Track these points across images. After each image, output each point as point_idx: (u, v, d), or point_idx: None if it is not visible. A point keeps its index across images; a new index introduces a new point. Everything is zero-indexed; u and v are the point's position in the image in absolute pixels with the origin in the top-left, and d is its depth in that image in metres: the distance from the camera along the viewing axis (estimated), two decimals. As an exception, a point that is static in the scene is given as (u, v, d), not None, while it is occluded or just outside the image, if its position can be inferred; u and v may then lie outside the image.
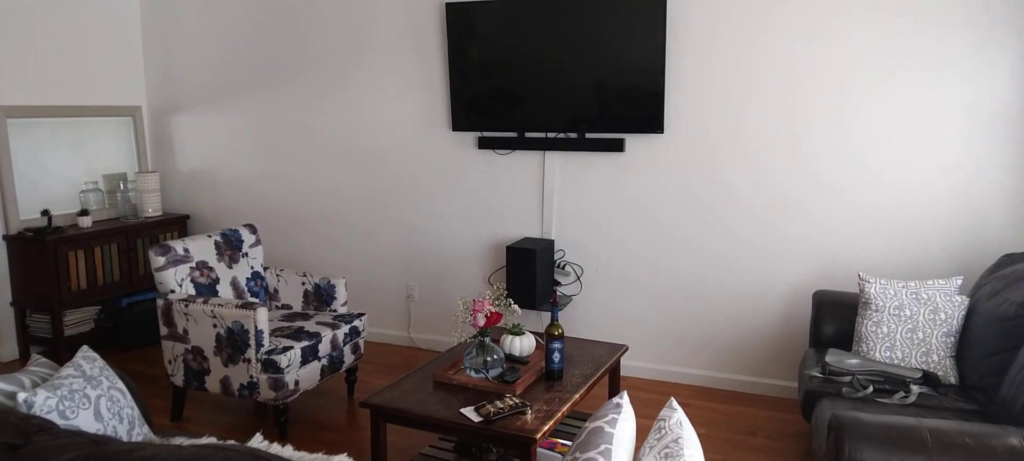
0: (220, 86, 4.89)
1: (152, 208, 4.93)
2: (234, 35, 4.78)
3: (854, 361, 2.88)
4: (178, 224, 4.99)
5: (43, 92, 4.48)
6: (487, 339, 2.83)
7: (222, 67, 4.86)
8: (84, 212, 4.53)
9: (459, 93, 4.16)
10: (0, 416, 1.50)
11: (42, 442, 1.42)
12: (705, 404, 3.71)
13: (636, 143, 3.90)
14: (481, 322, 2.80)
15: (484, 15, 4.02)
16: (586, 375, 2.89)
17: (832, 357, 2.92)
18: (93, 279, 4.44)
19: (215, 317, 3.26)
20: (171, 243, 3.49)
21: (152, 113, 5.15)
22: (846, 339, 3.15)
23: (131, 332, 4.55)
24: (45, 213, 4.38)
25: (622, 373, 4.06)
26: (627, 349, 3.27)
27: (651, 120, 3.78)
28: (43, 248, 4.18)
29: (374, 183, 4.55)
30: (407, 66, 4.35)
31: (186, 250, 3.52)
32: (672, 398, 1.63)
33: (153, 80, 5.10)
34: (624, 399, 1.60)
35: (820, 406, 2.68)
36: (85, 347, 2.15)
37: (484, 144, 4.19)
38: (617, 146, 3.90)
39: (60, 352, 4.29)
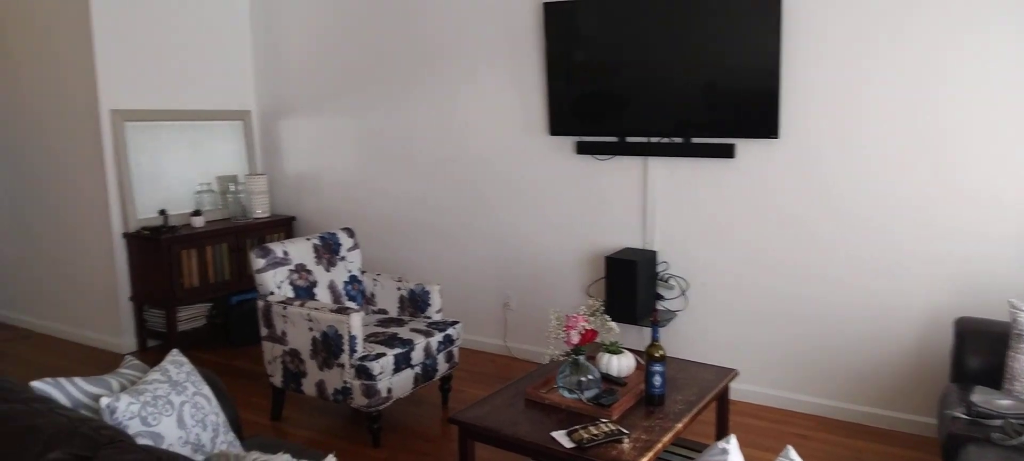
0: (324, 92, 4.96)
1: (260, 209, 5.06)
2: (336, 43, 4.83)
3: (1006, 402, 2.50)
4: (284, 225, 5.10)
5: (161, 97, 4.69)
6: (582, 357, 2.65)
7: (326, 73, 4.93)
8: (197, 212, 4.71)
9: (557, 96, 4.00)
10: (71, 426, 1.48)
11: (108, 456, 1.38)
12: (826, 437, 3.37)
13: (748, 149, 3.60)
14: (575, 339, 2.63)
15: (585, 15, 3.84)
16: (690, 401, 2.65)
17: (980, 396, 2.55)
18: (204, 277, 4.60)
19: (311, 320, 3.26)
20: (271, 245, 3.52)
21: (261, 117, 5.30)
22: (994, 375, 2.75)
23: (240, 329, 4.68)
24: (162, 213, 4.57)
25: (731, 398, 3.77)
26: (737, 373, 3.00)
27: (765, 124, 3.47)
28: (158, 246, 4.36)
29: (470, 189, 4.47)
30: (503, 70, 4.24)
31: (285, 253, 3.55)
32: (789, 447, 1.40)
33: (262, 85, 5.25)
34: (732, 445, 1.39)
35: (965, 452, 2.33)
36: (175, 351, 2.15)
37: (583, 149, 4.01)
38: (726, 152, 3.62)
39: (173, 347, 4.45)
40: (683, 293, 3.88)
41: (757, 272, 3.67)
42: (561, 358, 2.78)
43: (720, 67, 3.54)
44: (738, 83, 3.51)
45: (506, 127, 4.30)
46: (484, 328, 4.56)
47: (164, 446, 1.85)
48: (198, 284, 4.56)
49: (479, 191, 4.45)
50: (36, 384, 1.83)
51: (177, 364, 2.09)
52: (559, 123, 4.04)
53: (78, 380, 1.91)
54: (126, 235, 4.51)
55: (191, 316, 4.61)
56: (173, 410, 1.91)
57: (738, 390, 3.77)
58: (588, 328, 2.66)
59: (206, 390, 2.09)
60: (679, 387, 2.77)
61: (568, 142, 4.10)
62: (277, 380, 3.48)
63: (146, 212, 4.60)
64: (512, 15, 4.15)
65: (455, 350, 3.64)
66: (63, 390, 1.86)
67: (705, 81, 3.59)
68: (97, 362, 4.39)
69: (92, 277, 4.64)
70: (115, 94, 4.43)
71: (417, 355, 3.37)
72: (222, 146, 5.11)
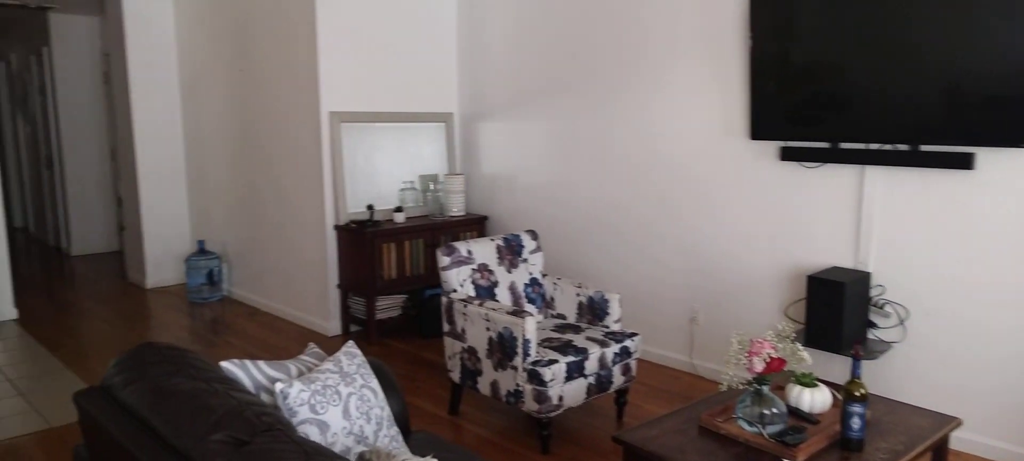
0: (521, 95, 5.02)
1: (456, 208, 5.25)
2: (535, 47, 4.86)
3: None
4: (477, 224, 5.25)
5: (373, 100, 5.02)
6: (766, 388, 2.39)
7: (523, 77, 4.98)
8: (399, 209, 4.99)
9: (762, 96, 3.68)
10: (239, 409, 1.57)
11: (262, 444, 1.44)
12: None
13: (991, 159, 3.05)
14: (758, 367, 2.37)
15: (797, 5, 3.49)
16: (896, 451, 2.29)
17: None
18: (402, 269, 4.86)
19: (488, 320, 3.29)
20: (456, 244, 3.61)
21: (462, 119, 5.50)
22: None
23: (430, 322, 4.88)
24: (369, 208, 4.90)
25: (953, 447, 3.22)
26: (960, 422, 2.55)
27: (1015, 130, 2.91)
28: (363, 239, 4.68)
29: (660, 195, 4.27)
30: (700, 69, 3.99)
31: (469, 252, 3.62)
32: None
33: (464, 89, 5.44)
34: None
35: None
36: (350, 343, 2.24)
37: (788, 155, 3.65)
38: (963, 162, 3.09)
39: (371, 333, 4.77)
40: (901, 323, 3.40)
41: (995, 305, 3.10)
42: (742, 386, 2.53)
43: (963, 63, 3.03)
44: (983, 82, 2.98)
45: (701, 130, 4.05)
46: (668, 342, 4.34)
47: (329, 434, 1.93)
48: (396, 276, 4.83)
49: (670, 197, 4.24)
50: (225, 364, 1.99)
51: (350, 356, 2.18)
52: (762, 126, 3.71)
53: (261, 363, 2.06)
54: (337, 227, 4.90)
55: (388, 306, 4.90)
56: (340, 400, 1.99)
57: (962, 440, 3.22)
58: (775, 356, 2.39)
59: (374, 383, 2.16)
60: (884, 432, 2.41)
61: (771, 147, 3.77)
62: (456, 376, 3.57)
63: (355, 206, 4.96)
64: (712, 10, 3.90)
65: (632, 363, 3.49)
66: (247, 372, 2.00)
67: (943, 79, 3.10)
68: (305, 341, 4.80)
69: (307, 265, 5.11)
70: (334, 98, 4.82)
71: (591, 365, 3.27)
72: (426, 146, 5.37)
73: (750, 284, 3.93)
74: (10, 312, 5.32)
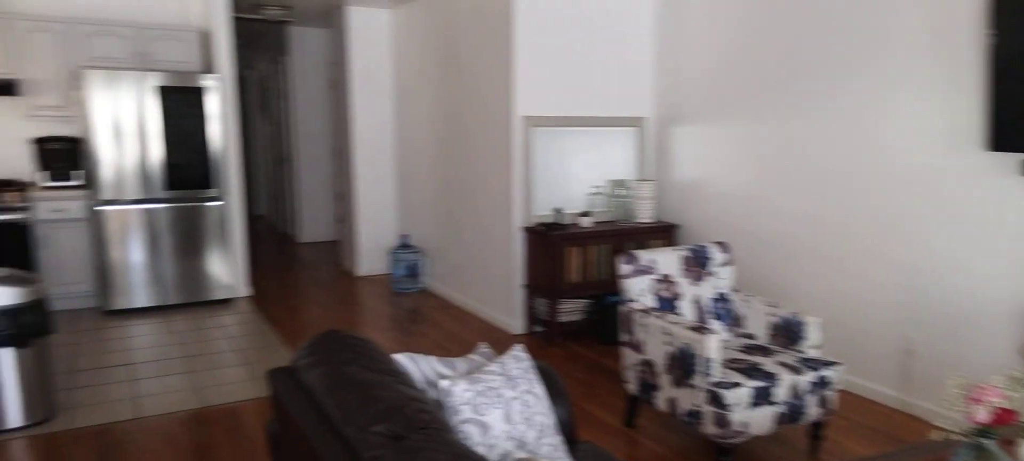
0: (719, 99, 4.77)
1: (645, 215, 5.12)
2: (739, 49, 4.59)
3: None
4: (665, 232, 5.08)
5: (566, 105, 5.04)
6: (990, 443, 2.03)
7: (723, 80, 4.73)
8: (586, 213, 4.97)
9: (1008, 101, 3.16)
10: (401, 403, 1.62)
11: (415, 441, 1.47)
12: None
13: None
14: (981, 416, 2.02)
15: (1056, -5, 2.95)
16: None
17: None
18: (585, 274, 4.84)
19: (668, 334, 3.15)
20: (638, 253, 3.50)
21: (656, 124, 5.35)
22: None
23: (612, 328, 4.80)
24: (556, 211, 4.94)
25: None
26: None
27: None
28: (548, 241, 4.71)
29: (873, 210, 3.83)
30: (921, 70, 3.51)
31: (652, 261, 3.50)
32: None
33: (659, 93, 5.29)
34: None
35: None
36: (518, 346, 2.24)
37: (1038, 170, 3.10)
38: None
39: (554, 334, 4.79)
40: None
41: None
42: (961, 437, 2.18)
43: None
44: None
45: (924, 138, 3.57)
46: (877, 373, 3.89)
47: (490, 436, 1.94)
48: (579, 280, 4.81)
49: (885, 213, 3.79)
50: (397, 356, 2.08)
51: (517, 359, 2.18)
52: (1005, 135, 3.19)
53: (432, 358, 2.12)
54: (524, 229, 4.98)
55: (571, 309, 4.90)
56: (502, 403, 1.99)
57: None
58: (1003, 406, 2.02)
59: (538, 389, 2.14)
60: None
61: (1013, 160, 3.23)
62: (632, 387, 3.46)
63: (543, 209, 5.01)
64: (939, 4, 3.42)
65: (831, 394, 3.16)
66: (417, 366, 2.08)
67: None
68: (491, 337, 4.95)
69: (496, 263, 5.26)
70: (527, 102, 4.91)
71: (781, 392, 3.01)
72: (617, 151, 5.30)
73: (979, 317, 3.40)
74: (245, 289, 6.05)
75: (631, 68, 5.26)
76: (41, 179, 5.47)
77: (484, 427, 1.94)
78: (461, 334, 5.07)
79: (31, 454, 3.23)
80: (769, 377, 3.00)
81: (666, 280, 3.50)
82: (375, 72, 6.73)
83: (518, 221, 4.99)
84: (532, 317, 5.03)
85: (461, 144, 5.65)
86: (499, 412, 1.98)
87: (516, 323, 5.08)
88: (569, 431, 2.33)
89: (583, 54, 5.06)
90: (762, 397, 2.96)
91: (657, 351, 3.23)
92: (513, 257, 5.02)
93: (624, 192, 5.23)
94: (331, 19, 7.15)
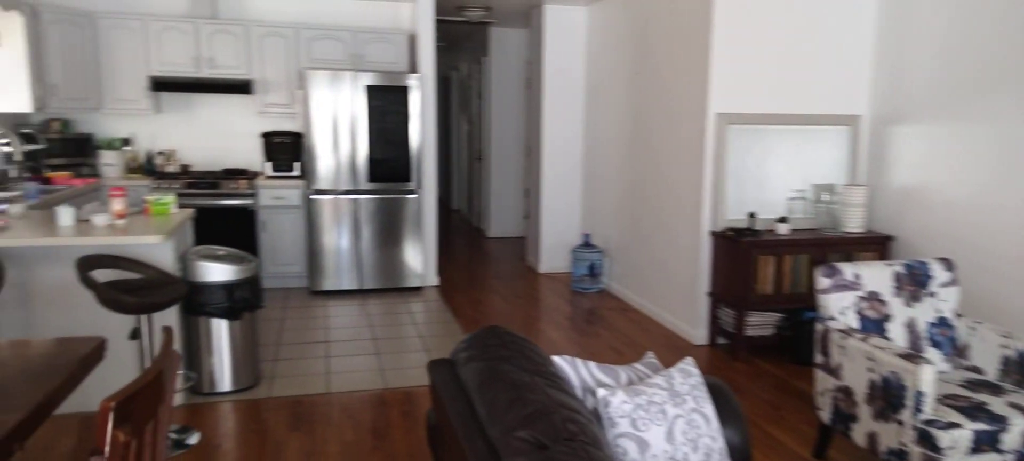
0: (948, 94, 4.14)
1: (853, 224, 4.60)
2: (971, 37, 3.95)
3: None
4: (878, 245, 4.52)
5: (766, 101, 4.67)
6: None
7: (953, 72, 4.10)
8: (783, 219, 4.56)
9: None
10: (547, 410, 1.53)
11: (559, 452, 1.37)
12: None
13: None
14: None
15: None
16: None
17: None
18: (779, 285, 4.44)
19: (872, 360, 2.77)
20: (841, 266, 3.13)
21: (872, 122, 4.78)
22: None
23: (807, 347, 4.37)
24: (750, 215, 4.59)
25: None
26: None
27: None
28: (738, 248, 4.39)
29: None
30: None
31: (857, 276, 3.10)
32: None
33: (879, 88, 4.72)
34: None
35: None
36: (688, 360, 2.06)
37: None
38: None
39: (739, 349, 4.46)
40: None
41: None
42: None
43: None
44: None
45: None
46: None
47: (647, 454, 1.79)
48: (772, 292, 4.43)
49: None
50: (556, 359, 1.99)
51: (685, 374, 2.00)
52: None
53: (592, 365, 2.01)
54: (713, 233, 4.69)
55: (760, 322, 4.52)
56: (665, 421, 1.83)
57: None
58: None
59: (707, 409, 1.95)
60: None
61: None
62: (825, 415, 3.10)
63: (735, 213, 4.68)
64: None
65: (1083, 451, 2.60)
66: (577, 371, 1.98)
67: None
68: (670, 346, 4.72)
69: (680, 268, 5.00)
70: (723, 98, 4.61)
71: (1012, 439, 2.52)
72: (824, 153, 4.82)
73: None
74: (434, 279, 6.32)
75: (845, 61, 4.75)
76: (267, 169, 6.09)
77: (642, 444, 1.80)
78: (638, 339, 4.88)
79: (236, 416, 3.57)
80: (997, 420, 2.53)
81: (873, 298, 3.09)
82: (567, 70, 6.72)
83: (707, 225, 4.71)
84: (716, 328, 4.72)
85: (650, 142, 5.45)
86: (660, 429, 1.82)
87: (698, 333, 4.80)
88: (742, 458, 2.11)
89: (788, 46, 4.64)
90: (986, 442, 2.50)
91: (857, 378, 2.86)
92: (699, 263, 4.74)
93: (830, 198, 4.74)
94: (529, 18, 7.25)
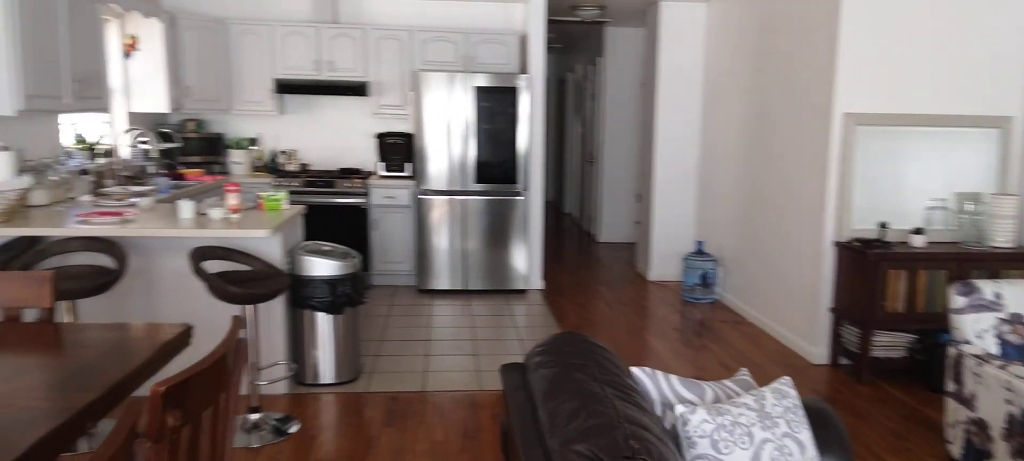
0: None
1: (1003, 237, 4.11)
2: None
3: None
4: (1031, 261, 4.01)
5: (901, 101, 4.25)
6: None
7: None
8: (919, 230, 4.14)
9: None
10: (611, 424, 1.40)
11: (613, 472, 1.25)
12: None
13: None
14: None
15: None
16: None
17: None
18: (912, 303, 4.03)
19: (1011, 391, 2.42)
20: (979, 283, 2.77)
21: (1027, 124, 4.25)
22: None
23: (942, 373, 3.93)
24: (881, 225, 4.20)
25: None
26: None
27: None
28: (865, 260, 4.02)
29: None
30: None
31: (998, 296, 2.74)
32: None
33: (1035, 83, 4.19)
34: None
35: None
36: (785, 379, 1.86)
37: None
38: None
39: (863, 370, 4.08)
40: None
41: None
42: None
43: None
44: None
45: None
46: None
47: (730, 481, 1.62)
48: (903, 310, 4.02)
49: None
50: (635, 370, 1.86)
51: (779, 394, 1.81)
52: None
53: (674, 378, 1.86)
54: (837, 244, 4.32)
55: (889, 343, 4.12)
56: (750, 445, 1.66)
57: None
58: None
59: (803, 435, 1.75)
60: None
61: None
62: (955, 450, 2.75)
63: (864, 222, 4.30)
64: None
65: None
66: (656, 384, 1.83)
67: None
68: (786, 363, 4.39)
69: (800, 281, 4.65)
70: (851, 97, 4.25)
71: None
72: (970, 158, 4.34)
73: None
74: (539, 283, 6.25)
75: (996, 55, 4.25)
76: (379, 169, 6.25)
77: (724, 468, 1.63)
78: (750, 355, 4.58)
79: (334, 408, 3.65)
80: None
81: (1016, 321, 2.71)
82: (683, 70, 6.45)
83: (830, 235, 4.35)
84: (838, 347, 4.34)
85: (770, 145, 5.12)
86: (745, 454, 1.65)
87: (818, 351, 4.43)
88: (847, 493, 1.88)
89: (928, 39, 4.21)
90: None
91: (994, 410, 2.51)
92: (821, 275, 4.39)
93: (975, 208, 4.25)
94: (645, 17, 7.05)
